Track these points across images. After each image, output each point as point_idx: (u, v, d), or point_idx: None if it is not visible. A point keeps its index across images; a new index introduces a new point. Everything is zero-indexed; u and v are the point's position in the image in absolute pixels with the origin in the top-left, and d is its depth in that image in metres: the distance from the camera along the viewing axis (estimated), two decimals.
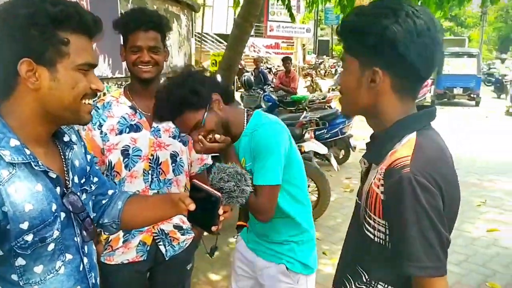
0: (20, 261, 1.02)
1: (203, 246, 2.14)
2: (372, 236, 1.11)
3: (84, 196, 1.20)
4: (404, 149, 1.05)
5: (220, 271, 3.62)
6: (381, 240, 1.09)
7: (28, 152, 1.02)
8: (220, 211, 1.18)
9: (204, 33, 12.31)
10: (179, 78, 1.63)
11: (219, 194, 1.16)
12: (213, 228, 1.18)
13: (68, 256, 1.11)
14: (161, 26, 1.83)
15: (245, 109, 1.82)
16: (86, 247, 1.18)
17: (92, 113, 1.16)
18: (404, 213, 0.98)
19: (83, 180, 1.22)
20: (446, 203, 1.03)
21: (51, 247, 1.06)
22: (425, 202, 0.98)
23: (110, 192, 1.35)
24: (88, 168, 1.28)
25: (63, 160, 1.15)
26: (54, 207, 1.06)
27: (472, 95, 15.19)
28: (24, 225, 0.99)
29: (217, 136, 1.61)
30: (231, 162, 1.48)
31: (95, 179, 1.31)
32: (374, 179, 1.10)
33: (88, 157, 1.30)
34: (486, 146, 8.58)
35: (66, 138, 1.18)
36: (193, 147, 1.68)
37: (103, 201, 1.33)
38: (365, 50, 1.08)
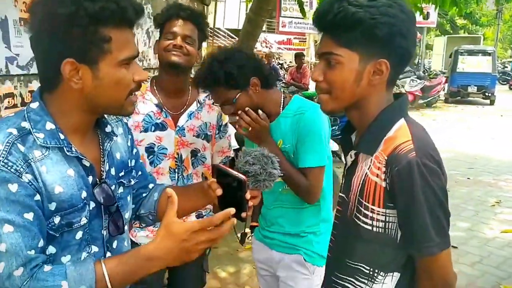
0: (51, 249, 1.01)
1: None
2: (369, 228, 1.10)
3: (121, 190, 1.19)
4: (401, 135, 1.06)
5: (228, 267, 3.59)
6: (380, 229, 1.09)
7: (62, 137, 1.01)
8: (248, 196, 1.12)
9: (216, 28, 12.27)
10: (223, 54, 1.69)
11: (243, 176, 1.11)
12: (243, 214, 1.11)
13: (94, 249, 1.09)
14: (199, 20, 1.85)
15: (282, 91, 1.81)
16: (115, 243, 1.16)
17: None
18: (416, 196, 1.00)
19: (122, 173, 1.20)
20: (445, 179, 1.06)
21: (78, 235, 1.05)
22: (433, 183, 1.01)
23: (151, 185, 1.36)
24: (133, 162, 1.27)
25: (101, 150, 1.13)
26: (84, 194, 1.04)
27: (487, 94, 14.90)
28: (52, 206, 0.99)
29: (260, 112, 1.68)
30: (263, 147, 1.41)
31: (139, 173, 1.31)
32: (368, 169, 1.09)
33: (134, 151, 1.30)
34: (501, 145, 8.40)
35: (108, 129, 1.16)
36: (225, 113, 1.85)
37: (144, 194, 1.34)
38: (373, 42, 1.04)
